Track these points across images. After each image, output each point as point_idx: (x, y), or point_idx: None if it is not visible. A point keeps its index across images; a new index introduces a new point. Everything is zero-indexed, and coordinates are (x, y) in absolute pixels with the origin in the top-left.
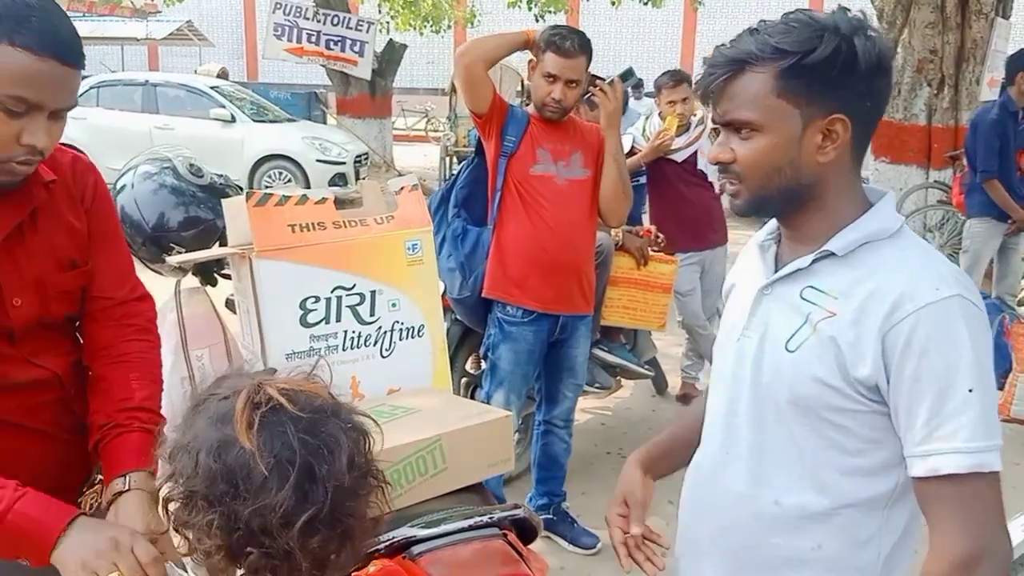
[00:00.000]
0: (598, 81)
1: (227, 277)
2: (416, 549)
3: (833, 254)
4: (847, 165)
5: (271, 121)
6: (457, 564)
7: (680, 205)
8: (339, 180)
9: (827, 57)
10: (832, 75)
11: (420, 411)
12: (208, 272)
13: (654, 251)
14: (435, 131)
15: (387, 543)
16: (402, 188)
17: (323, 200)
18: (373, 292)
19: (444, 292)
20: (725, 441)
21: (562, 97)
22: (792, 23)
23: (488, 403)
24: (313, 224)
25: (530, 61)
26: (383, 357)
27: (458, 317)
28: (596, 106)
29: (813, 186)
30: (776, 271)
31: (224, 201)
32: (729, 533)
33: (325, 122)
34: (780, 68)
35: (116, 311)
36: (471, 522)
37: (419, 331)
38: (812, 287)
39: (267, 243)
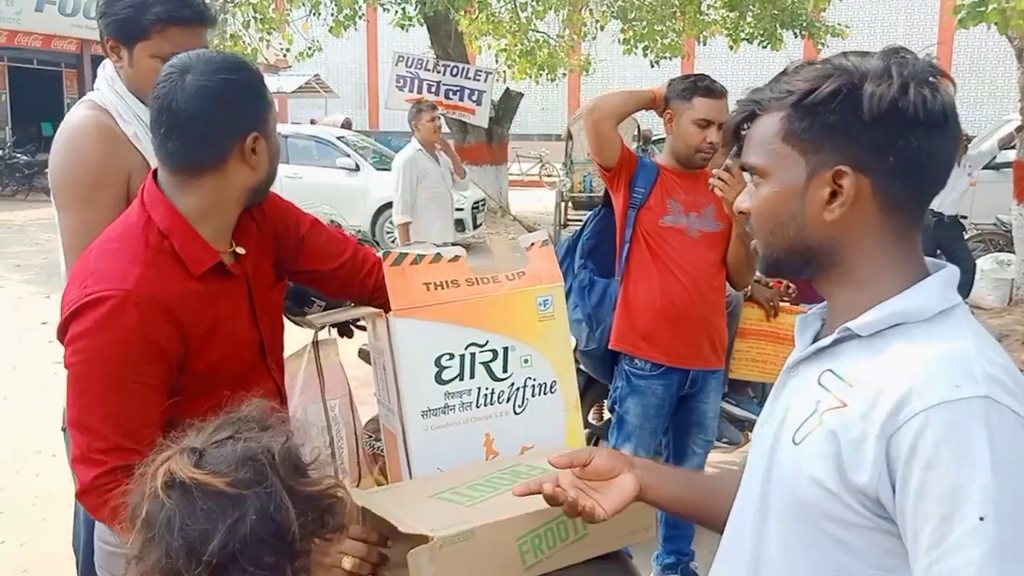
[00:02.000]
0: (714, 171)
1: (362, 328)
2: None
3: (857, 335)
4: (876, 230)
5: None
6: None
7: None
8: (458, 226)
9: (824, 99)
10: (832, 120)
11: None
12: (346, 325)
13: (784, 302)
14: (548, 176)
15: None
16: (532, 244)
17: (456, 258)
18: (506, 348)
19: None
20: (728, 544)
21: (717, 140)
22: (820, 63)
23: None
24: (447, 282)
25: (666, 113)
26: (516, 414)
27: (582, 367)
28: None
29: (826, 250)
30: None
31: None
32: None
33: None
34: (786, 110)
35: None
36: None
37: (551, 387)
38: (831, 371)
39: (403, 302)
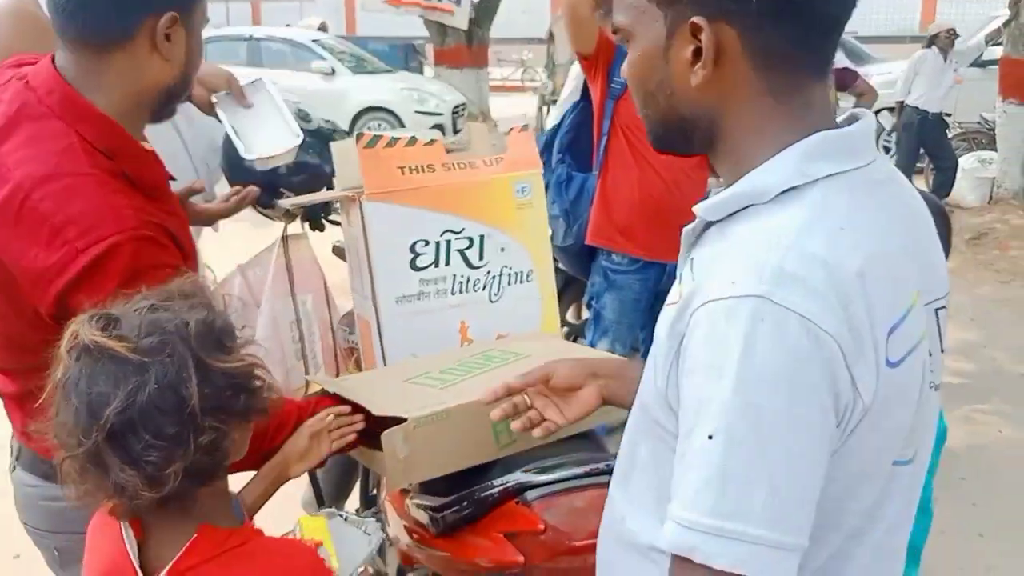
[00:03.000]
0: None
1: (334, 223)
2: (530, 495)
3: (712, 222)
4: (751, 91)
5: (369, 72)
6: (572, 511)
7: None
8: (438, 131)
9: None
10: None
11: (531, 356)
12: (316, 218)
13: None
14: (532, 81)
15: (500, 487)
16: (512, 129)
17: (432, 142)
18: (482, 236)
19: None
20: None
21: None
22: None
23: None
24: (423, 166)
25: None
26: (492, 302)
27: (561, 266)
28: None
29: (703, 121)
30: None
31: (333, 144)
32: (600, 535)
33: (422, 73)
34: None
35: None
36: (587, 468)
37: (528, 276)
38: (692, 260)
39: (377, 185)
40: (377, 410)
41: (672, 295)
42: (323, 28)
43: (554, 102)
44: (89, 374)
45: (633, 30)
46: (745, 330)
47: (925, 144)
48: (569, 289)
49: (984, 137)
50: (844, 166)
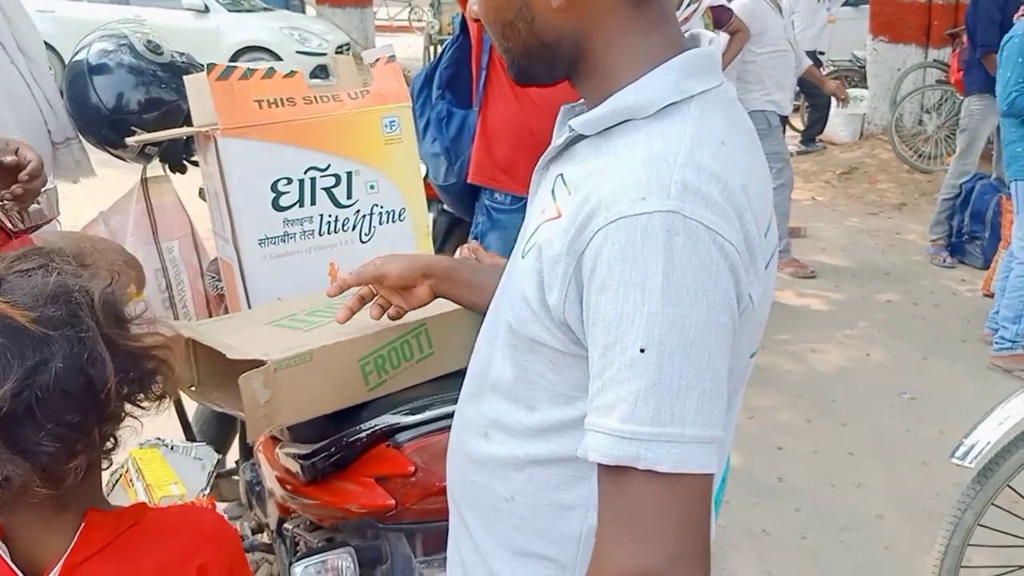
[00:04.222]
0: None
1: (196, 164)
2: (400, 437)
3: (584, 135)
4: (613, 8)
5: (247, 11)
6: (442, 451)
7: None
8: (320, 72)
9: None
10: None
11: None
12: (176, 158)
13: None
14: (419, 20)
15: (369, 431)
16: (377, 60)
17: (292, 73)
18: (349, 173)
19: (429, 178)
20: (475, 349)
21: None
22: None
23: None
24: (282, 100)
25: None
26: (363, 242)
27: (445, 207)
28: None
29: (566, 45)
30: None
31: (186, 78)
32: (451, 458)
33: (304, 12)
34: None
35: None
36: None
37: (400, 215)
38: (561, 176)
39: (232, 120)
40: (234, 354)
41: (541, 210)
42: None
43: (441, 42)
44: None
45: None
46: (663, 245)
47: (800, 82)
48: (455, 230)
49: (855, 75)
50: (710, 84)
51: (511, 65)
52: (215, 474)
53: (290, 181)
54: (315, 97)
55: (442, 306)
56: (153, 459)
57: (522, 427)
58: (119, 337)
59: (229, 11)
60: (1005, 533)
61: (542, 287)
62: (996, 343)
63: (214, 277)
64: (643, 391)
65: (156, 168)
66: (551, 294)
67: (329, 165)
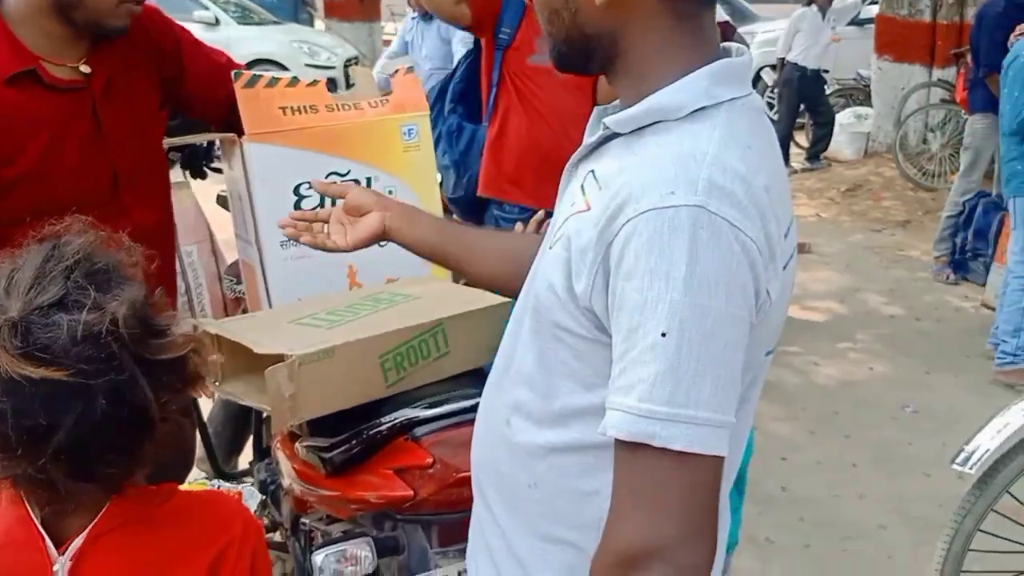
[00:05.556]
0: None
1: (217, 171)
2: (418, 431)
3: (619, 133)
4: (652, 11)
5: (256, 24)
6: (461, 444)
7: None
8: (330, 86)
9: None
10: None
11: (421, 298)
12: (197, 165)
13: None
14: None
15: (389, 424)
16: (396, 71)
17: (315, 83)
18: (369, 179)
19: (441, 188)
20: (504, 341)
21: None
22: None
23: None
24: (305, 107)
25: None
26: (380, 246)
27: (455, 217)
28: None
29: (605, 39)
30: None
31: None
32: (476, 446)
33: (312, 25)
34: None
35: None
36: (474, 402)
37: None
38: (592, 172)
39: (257, 126)
40: (260, 349)
41: (570, 204)
42: None
43: None
44: (18, 404)
45: None
46: (689, 237)
47: (804, 100)
48: None
49: (860, 93)
50: (739, 92)
51: (552, 49)
52: (257, 513)
53: (311, 186)
54: (337, 105)
55: (457, 307)
56: None
57: (543, 414)
58: (150, 351)
59: (239, 24)
60: (1005, 539)
61: (570, 275)
62: (998, 358)
63: (232, 281)
64: (661, 373)
65: (176, 174)
66: (579, 282)
67: (349, 171)
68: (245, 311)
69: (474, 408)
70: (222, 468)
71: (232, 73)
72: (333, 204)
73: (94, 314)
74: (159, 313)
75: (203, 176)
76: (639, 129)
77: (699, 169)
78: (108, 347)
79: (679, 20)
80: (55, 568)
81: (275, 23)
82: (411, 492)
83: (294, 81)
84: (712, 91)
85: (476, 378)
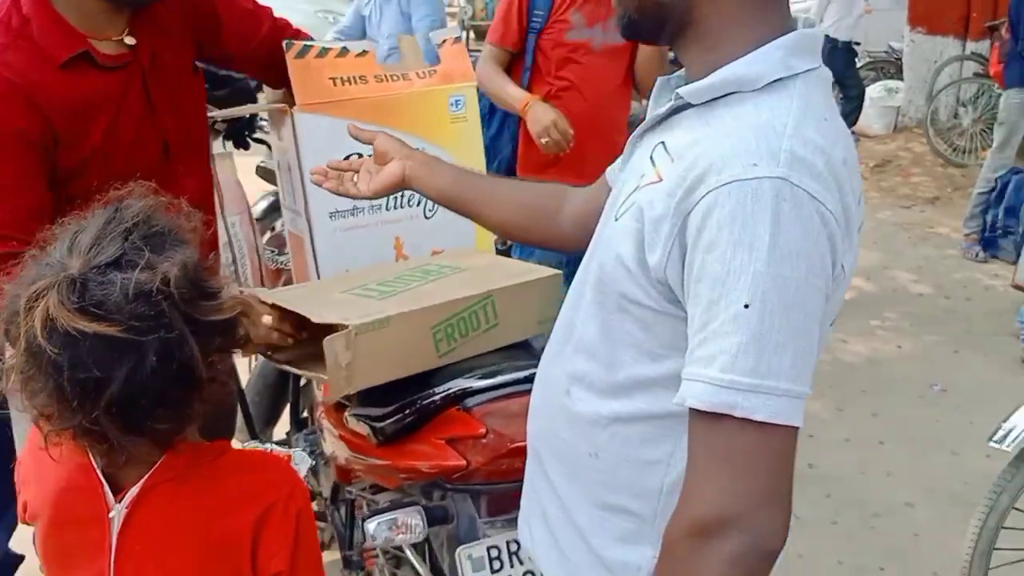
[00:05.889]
0: None
1: (259, 142)
2: (470, 401)
3: (690, 104)
4: None
5: None
6: (512, 415)
7: None
8: None
9: None
10: None
11: (468, 270)
12: (240, 135)
13: None
14: (450, 6)
15: (442, 394)
16: (444, 41)
17: (364, 53)
18: (416, 150)
19: None
20: (562, 309)
21: None
22: None
23: None
24: (355, 78)
25: None
26: (427, 218)
27: None
28: None
29: (679, 8)
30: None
31: None
32: (534, 415)
33: None
34: None
35: None
36: (526, 374)
37: None
38: (663, 143)
39: (309, 96)
40: (317, 318)
41: (639, 175)
42: None
43: (474, 27)
44: (74, 358)
45: None
46: (772, 209)
47: (834, 73)
48: None
49: (891, 66)
50: (813, 64)
51: (621, 17)
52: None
53: (361, 156)
54: (386, 76)
55: (505, 279)
56: None
57: (605, 384)
58: (199, 311)
59: None
60: None
61: (642, 246)
62: None
63: (273, 252)
64: (744, 344)
65: (217, 145)
66: (652, 253)
67: None
68: (287, 282)
69: (526, 380)
70: (260, 438)
71: (284, 43)
72: None
73: (146, 273)
74: (211, 276)
75: (246, 146)
76: (711, 101)
77: (780, 141)
78: (158, 305)
79: None
80: (111, 515)
81: None
82: (464, 462)
83: (344, 51)
84: (788, 62)
85: (525, 350)
